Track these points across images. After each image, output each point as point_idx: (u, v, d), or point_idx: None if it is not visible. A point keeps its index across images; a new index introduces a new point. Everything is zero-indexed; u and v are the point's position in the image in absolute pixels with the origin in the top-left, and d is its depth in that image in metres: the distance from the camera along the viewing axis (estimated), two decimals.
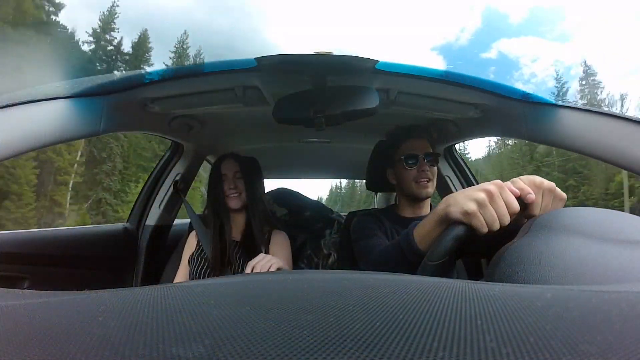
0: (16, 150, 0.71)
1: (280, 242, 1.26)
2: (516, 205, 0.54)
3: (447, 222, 0.58)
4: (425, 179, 1.06)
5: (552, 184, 0.57)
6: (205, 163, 1.82)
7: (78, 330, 0.18)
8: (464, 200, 0.55)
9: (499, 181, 0.56)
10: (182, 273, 1.25)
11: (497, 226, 0.53)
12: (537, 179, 0.56)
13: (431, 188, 1.08)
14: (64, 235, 1.36)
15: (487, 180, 0.61)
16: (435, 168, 1.10)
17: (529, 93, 0.92)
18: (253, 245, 1.21)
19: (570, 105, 0.84)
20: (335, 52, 0.87)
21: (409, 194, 1.09)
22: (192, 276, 1.20)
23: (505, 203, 0.54)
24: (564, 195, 0.57)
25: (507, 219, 0.53)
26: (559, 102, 0.86)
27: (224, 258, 1.18)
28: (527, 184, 0.56)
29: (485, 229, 0.53)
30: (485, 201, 0.53)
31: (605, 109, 0.77)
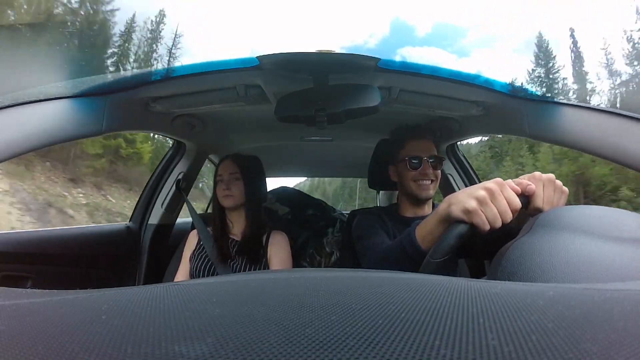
0: (20, 150, 0.72)
1: (279, 243, 1.26)
2: (517, 202, 0.54)
3: (449, 221, 0.59)
4: (427, 181, 1.06)
5: (552, 175, 0.58)
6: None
7: (81, 329, 0.18)
8: (465, 199, 0.55)
9: (499, 179, 0.57)
10: (183, 270, 1.26)
11: (498, 223, 0.54)
12: (537, 173, 0.58)
13: (432, 190, 1.08)
14: (67, 234, 1.37)
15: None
16: (439, 171, 1.10)
17: (530, 91, 0.92)
18: (252, 244, 1.22)
19: (571, 103, 0.84)
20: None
21: (410, 194, 1.09)
22: (193, 273, 1.21)
23: (506, 200, 0.54)
24: (566, 189, 0.58)
25: (508, 216, 0.54)
26: (560, 100, 0.85)
27: (224, 256, 1.19)
28: (527, 178, 0.57)
29: (487, 227, 0.54)
30: (486, 199, 0.54)
31: (607, 107, 0.77)
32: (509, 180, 0.57)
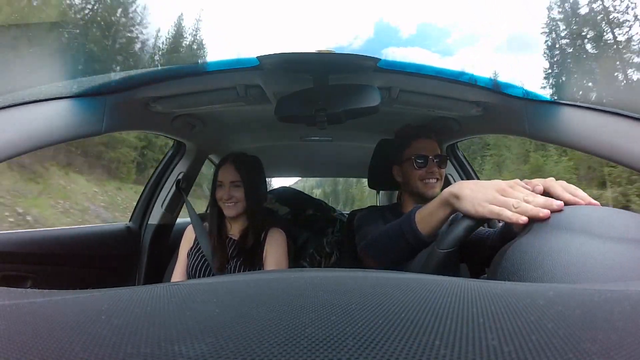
0: (20, 150, 0.72)
1: (276, 240, 1.24)
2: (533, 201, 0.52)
3: (451, 207, 0.60)
4: (433, 179, 1.07)
5: (563, 183, 0.57)
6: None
7: (81, 329, 0.18)
8: (481, 198, 0.55)
9: (511, 181, 0.56)
10: (180, 267, 1.25)
11: (519, 217, 0.50)
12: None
13: (438, 188, 1.09)
14: (67, 234, 1.36)
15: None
16: (444, 170, 1.11)
17: (529, 91, 0.92)
18: (250, 245, 1.21)
19: (571, 103, 0.84)
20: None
21: (415, 193, 1.10)
22: (189, 271, 1.21)
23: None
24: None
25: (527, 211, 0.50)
26: (560, 100, 0.85)
27: (221, 256, 1.18)
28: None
29: (513, 219, 0.50)
30: (506, 191, 0.54)
31: (606, 107, 0.77)
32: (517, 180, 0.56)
